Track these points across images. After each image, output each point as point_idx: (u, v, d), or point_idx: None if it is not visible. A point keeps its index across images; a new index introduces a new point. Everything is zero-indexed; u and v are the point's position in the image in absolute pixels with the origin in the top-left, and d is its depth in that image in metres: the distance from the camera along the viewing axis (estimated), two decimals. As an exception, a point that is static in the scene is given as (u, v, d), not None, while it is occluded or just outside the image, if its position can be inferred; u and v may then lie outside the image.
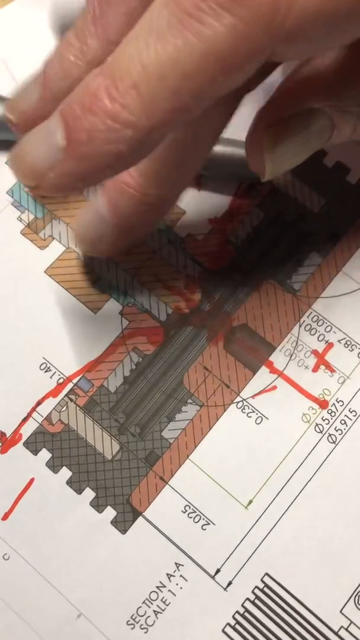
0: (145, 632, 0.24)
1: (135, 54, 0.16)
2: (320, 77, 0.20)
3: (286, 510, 0.25)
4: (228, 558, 0.24)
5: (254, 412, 0.26)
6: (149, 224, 0.25)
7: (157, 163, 0.21)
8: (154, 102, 0.16)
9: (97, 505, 0.25)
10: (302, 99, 0.20)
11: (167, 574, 0.24)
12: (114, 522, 0.25)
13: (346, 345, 0.26)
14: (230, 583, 0.24)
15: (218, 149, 0.26)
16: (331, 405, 0.26)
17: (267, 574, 0.24)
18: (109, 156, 0.16)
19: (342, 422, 0.25)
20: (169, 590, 0.24)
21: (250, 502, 0.25)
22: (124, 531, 0.25)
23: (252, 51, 0.15)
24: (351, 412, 0.25)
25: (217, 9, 0.15)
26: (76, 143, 0.16)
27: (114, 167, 0.17)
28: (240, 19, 0.15)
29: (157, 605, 0.24)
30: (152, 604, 0.24)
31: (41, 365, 0.26)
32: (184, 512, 0.25)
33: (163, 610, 0.24)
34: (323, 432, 0.25)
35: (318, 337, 0.26)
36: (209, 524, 0.25)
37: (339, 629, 0.24)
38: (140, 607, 0.24)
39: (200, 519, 0.25)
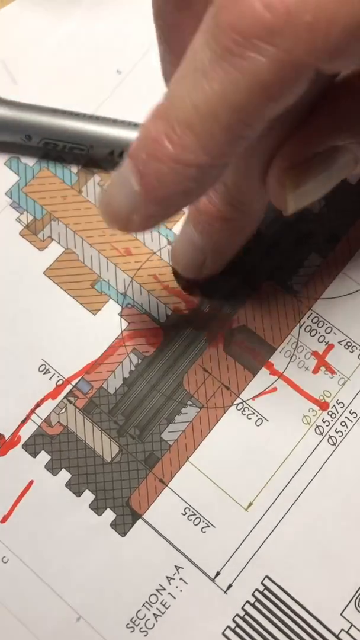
0: (145, 635, 0.24)
1: (186, 94, 0.16)
2: (345, 115, 0.20)
3: (286, 513, 0.24)
4: (228, 561, 0.24)
5: (254, 413, 0.25)
6: (244, 237, 0.25)
7: (236, 181, 0.22)
8: (210, 139, 0.16)
9: (97, 507, 0.25)
10: (327, 138, 0.20)
11: (167, 577, 0.24)
12: (114, 525, 0.25)
13: (346, 347, 0.26)
14: (230, 586, 0.24)
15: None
16: (331, 407, 0.25)
17: (267, 576, 0.24)
18: (181, 194, 0.17)
19: (343, 423, 0.25)
20: (169, 593, 0.24)
21: (251, 504, 0.25)
22: (123, 534, 0.24)
23: (296, 75, 0.15)
24: (352, 414, 0.25)
25: (256, 42, 0.15)
26: (150, 189, 0.17)
27: (188, 200, 0.18)
28: (280, 48, 0.15)
29: (157, 608, 0.24)
30: (152, 606, 0.24)
31: (40, 367, 0.26)
32: (184, 515, 0.25)
33: (163, 613, 0.24)
34: (323, 434, 0.25)
35: (318, 339, 0.26)
36: (209, 526, 0.24)
37: (340, 632, 0.23)
38: (140, 610, 0.24)
39: (200, 521, 0.25)
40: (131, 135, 0.27)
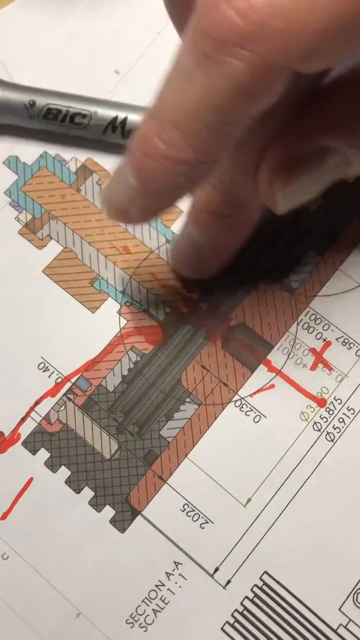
0: (145, 631, 0.24)
1: (172, 96, 0.17)
2: (334, 116, 0.20)
3: (285, 509, 0.25)
4: (227, 556, 0.24)
5: (252, 410, 0.26)
6: (243, 235, 0.25)
7: (233, 177, 0.22)
8: (196, 137, 0.17)
9: (96, 504, 0.25)
10: (315, 138, 0.20)
11: (166, 573, 0.24)
12: (113, 521, 0.25)
13: (344, 344, 0.26)
14: (229, 581, 0.24)
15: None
16: (329, 404, 0.26)
17: (266, 572, 0.24)
18: (174, 188, 0.19)
19: (340, 420, 0.25)
20: (168, 589, 0.24)
21: (249, 500, 0.25)
22: (122, 530, 0.25)
23: (273, 77, 0.16)
24: (349, 410, 0.26)
25: (232, 48, 0.16)
26: (145, 183, 0.19)
27: (181, 193, 0.19)
28: (254, 52, 0.16)
29: (156, 604, 0.24)
30: (151, 602, 0.24)
31: (39, 364, 0.26)
32: (183, 511, 0.25)
33: (162, 609, 0.24)
34: (321, 430, 0.25)
35: (316, 336, 0.26)
36: (207, 522, 0.25)
37: (338, 627, 0.24)
38: (139, 605, 0.24)
39: (199, 517, 0.25)
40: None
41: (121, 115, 0.27)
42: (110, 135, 0.27)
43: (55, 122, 0.28)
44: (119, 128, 0.27)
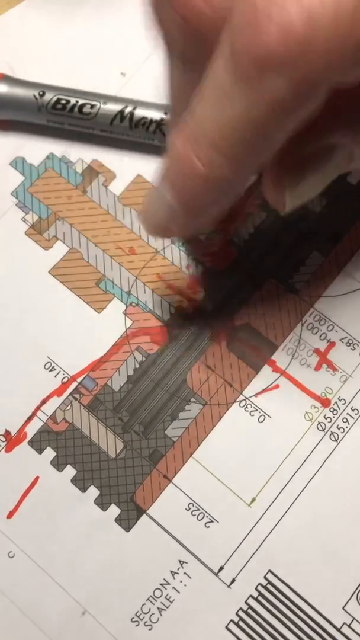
0: (150, 629, 0.24)
1: (209, 115, 0.17)
2: (341, 112, 0.20)
3: (289, 508, 0.25)
4: (231, 555, 0.24)
5: (256, 410, 0.26)
6: (217, 204, 0.24)
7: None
8: (235, 157, 0.17)
9: (102, 503, 0.25)
10: (323, 136, 0.20)
11: (171, 572, 0.24)
12: (118, 520, 0.25)
13: (348, 344, 0.26)
14: (233, 580, 0.24)
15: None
16: (333, 404, 0.26)
17: (270, 571, 0.24)
18: (212, 204, 0.19)
19: (344, 420, 0.26)
20: (173, 588, 0.24)
21: (254, 499, 0.25)
22: (128, 529, 0.25)
23: (314, 91, 0.16)
24: (353, 411, 0.26)
25: (274, 67, 0.15)
26: (184, 202, 0.19)
27: (220, 208, 0.19)
28: (296, 70, 0.15)
29: (161, 603, 0.24)
30: (156, 601, 0.24)
31: (46, 364, 0.26)
32: (188, 510, 0.25)
33: (167, 608, 0.24)
34: (325, 431, 0.26)
35: (320, 336, 0.27)
36: (212, 521, 0.25)
37: (342, 626, 0.24)
38: (144, 604, 0.24)
39: (203, 516, 0.25)
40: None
41: (129, 107, 0.28)
42: (118, 126, 0.28)
43: (64, 113, 0.28)
44: (127, 117, 0.27)
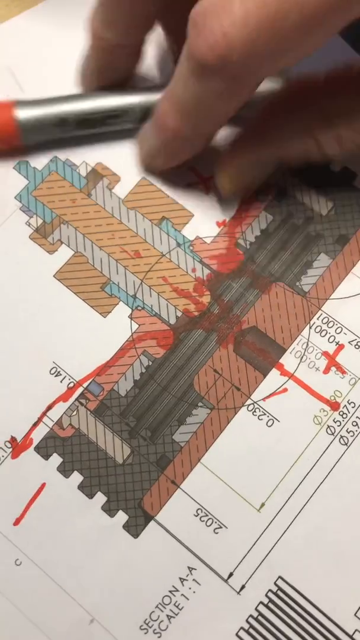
0: (159, 637, 0.24)
1: (177, 90, 0.24)
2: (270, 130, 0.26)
3: (299, 513, 0.24)
4: (241, 561, 0.24)
5: (265, 414, 0.26)
6: (184, 149, 0.27)
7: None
8: (191, 121, 0.25)
9: (109, 509, 0.25)
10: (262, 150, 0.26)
11: (180, 578, 0.24)
12: (126, 527, 0.25)
13: (357, 347, 0.26)
14: (243, 587, 0.24)
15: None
16: (342, 407, 0.26)
17: (280, 577, 0.24)
18: (182, 148, 0.26)
19: (354, 423, 0.25)
20: (182, 595, 0.24)
21: (263, 505, 0.25)
22: (136, 535, 0.24)
23: (240, 84, 0.23)
24: (363, 414, 0.25)
25: (209, 68, 0.22)
26: (164, 145, 0.26)
27: (191, 149, 0.26)
28: (224, 71, 0.22)
29: (170, 610, 0.24)
30: (165, 608, 0.24)
31: (51, 369, 0.26)
32: (196, 516, 0.25)
33: (176, 615, 0.24)
34: (335, 434, 0.25)
35: (328, 339, 0.26)
36: (221, 527, 0.24)
37: (354, 632, 0.23)
38: (153, 611, 0.24)
39: (212, 522, 0.25)
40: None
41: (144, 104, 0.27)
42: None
43: (89, 129, 0.28)
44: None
